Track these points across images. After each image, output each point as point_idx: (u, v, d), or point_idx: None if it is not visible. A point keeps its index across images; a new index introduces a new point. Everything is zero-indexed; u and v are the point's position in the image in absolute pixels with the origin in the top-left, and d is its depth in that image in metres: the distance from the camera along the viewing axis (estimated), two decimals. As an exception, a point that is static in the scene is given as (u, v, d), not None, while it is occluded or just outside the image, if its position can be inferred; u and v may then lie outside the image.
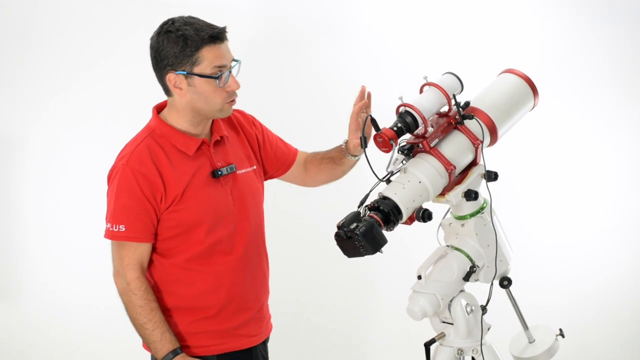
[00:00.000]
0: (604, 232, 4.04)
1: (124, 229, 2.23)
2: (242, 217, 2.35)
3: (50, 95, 3.81)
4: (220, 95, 2.23)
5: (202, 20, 2.24)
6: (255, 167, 2.46)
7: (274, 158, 2.54)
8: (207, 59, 2.19)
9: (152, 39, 2.25)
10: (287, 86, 3.88)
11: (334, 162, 2.55)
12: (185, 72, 2.20)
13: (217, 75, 2.20)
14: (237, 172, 2.37)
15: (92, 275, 3.71)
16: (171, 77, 2.22)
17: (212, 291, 2.32)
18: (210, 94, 2.22)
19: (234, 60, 2.26)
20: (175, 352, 2.26)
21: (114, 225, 2.23)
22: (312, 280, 3.91)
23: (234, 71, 2.26)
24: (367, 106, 2.43)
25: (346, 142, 2.50)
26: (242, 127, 2.49)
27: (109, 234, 2.26)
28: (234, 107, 2.33)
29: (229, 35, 2.26)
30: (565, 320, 3.46)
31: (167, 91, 2.29)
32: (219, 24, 2.26)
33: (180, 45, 2.18)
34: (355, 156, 2.51)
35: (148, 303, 2.25)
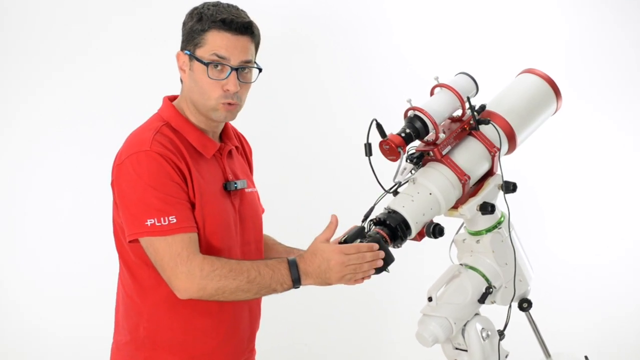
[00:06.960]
0: (634, 250, 4.02)
1: (175, 220, 2.07)
2: (245, 240, 2.31)
3: (19, 98, 3.81)
4: (215, 90, 2.16)
5: (237, 11, 2.20)
6: (256, 190, 2.43)
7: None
8: (209, 43, 2.15)
9: None
10: (290, 87, 3.89)
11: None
12: (189, 53, 2.18)
13: (209, 62, 2.14)
14: (246, 190, 2.33)
15: (65, 300, 3.69)
16: (180, 55, 2.22)
17: (212, 325, 2.23)
18: (204, 84, 2.16)
19: (247, 62, 2.18)
20: (293, 262, 2.11)
21: (162, 219, 2.06)
22: (312, 303, 3.90)
23: (244, 75, 2.19)
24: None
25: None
26: (244, 148, 2.47)
27: (157, 230, 2.06)
28: (234, 123, 2.28)
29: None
30: (592, 347, 3.47)
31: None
32: None
33: (194, 21, 2.18)
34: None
35: (229, 262, 2.09)
